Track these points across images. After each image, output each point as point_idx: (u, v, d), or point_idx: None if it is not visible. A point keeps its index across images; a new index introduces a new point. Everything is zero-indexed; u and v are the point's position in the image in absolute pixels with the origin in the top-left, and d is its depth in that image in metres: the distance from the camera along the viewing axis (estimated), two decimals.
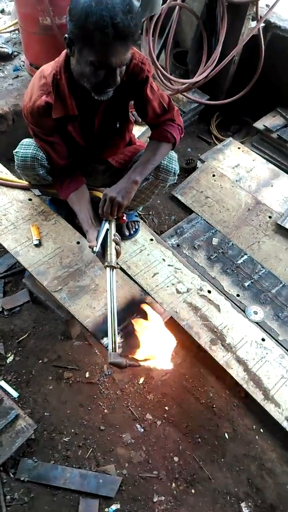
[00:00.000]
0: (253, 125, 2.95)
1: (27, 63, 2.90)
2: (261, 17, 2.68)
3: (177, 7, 2.76)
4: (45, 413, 1.79)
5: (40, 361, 1.92)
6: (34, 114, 1.59)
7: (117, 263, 1.56)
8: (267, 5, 2.77)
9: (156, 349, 1.52)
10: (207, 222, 2.52)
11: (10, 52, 3.11)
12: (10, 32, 3.54)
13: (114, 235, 1.58)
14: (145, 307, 1.66)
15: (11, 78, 3.07)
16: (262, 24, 2.74)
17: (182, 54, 3.15)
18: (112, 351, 1.41)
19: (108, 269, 1.53)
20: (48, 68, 1.57)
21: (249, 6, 2.64)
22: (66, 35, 1.36)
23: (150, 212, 2.60)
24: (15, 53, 3.16)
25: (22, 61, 3.26)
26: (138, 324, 1.61)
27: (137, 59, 1.56)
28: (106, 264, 1.54)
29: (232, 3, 2.63)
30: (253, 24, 2.76)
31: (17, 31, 3.40)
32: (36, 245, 1.88)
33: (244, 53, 2.95)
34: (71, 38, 1.34)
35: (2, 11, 3.55)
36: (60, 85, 1.53)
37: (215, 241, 2.44)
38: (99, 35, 1.25)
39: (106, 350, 1.46)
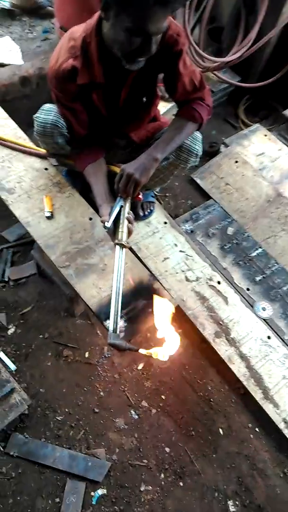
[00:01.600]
0: (283, 112, 2.81)
1: (57, 26, 2.76)
2: None
3: None
4: (41, 389, 1.76)
5: (41, 336, 1.89)
6: (59, 77, 1.50)
7: (128, 242, 1.50)
8: None
9: (160, 342, 1.48)
10: (224, 210, 2.43)
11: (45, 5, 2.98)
12: None
13: (128, 213, 1.52)
14: (157, 298, 1.59)
15: (39, 40, 2.94)
16: None
17: (217, 30, 2.98)
18: (113, 332, 1.37)
19: (117, 247, 1.47)
20: (78, 30, 1.48)
21: None
22: None
23: (167, 194, 2.52)
24: (50, 7, 3.01)
25: (52, 23, 3.13)
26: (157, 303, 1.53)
27: (173, 30, 1.46)
28: (116, 241, 1.48)
29: None
30: None
31: None
32: (48, 217, 1.82)
33: (283, 35, 2.79)
34: (108, 1, 1.25)
35: None
36: (89, 50, 1.44)
37: (230, 230, 2.36)
38: (139, 0, 1.17)
39: (108, 331, 1.41)
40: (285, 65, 2.75)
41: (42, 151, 1.96)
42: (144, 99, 1.69)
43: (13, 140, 1.98)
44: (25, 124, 2.16)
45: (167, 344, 1.44)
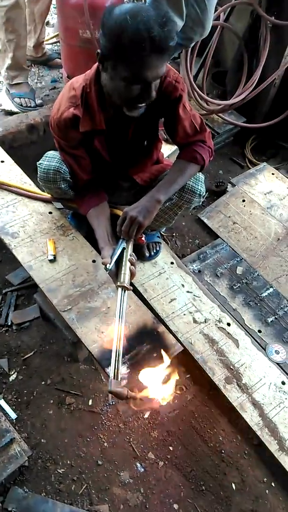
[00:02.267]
0: None
1: (65, 75, 2.89)
2: None
3: (219, 26, 2.69)
4: (42, 440, 1.69)
5: (43, 383, 1.83)
6: (60, 126, 1.54)
7: (131, 285, 1.47)
8: None
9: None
10: (232, 249, 2.39)
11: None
12: (52, 44, 3.60)
13: (130, 255, 1.50)
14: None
15: (48, 89, 3.09)
16: None
17: (222, 74, 3.08)
18: (114, 378, 1.31)
19: (120, 289, 1.44)
20: (78, 80, 1.53)
21: None
22: (98, 51, 1.31)
23: (174, 234, 2.50)
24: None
25: (60, 72, 3.28)
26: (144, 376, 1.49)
27: (171, 77, 1.50)
28: (118, 284, 1.45)
29: (276, 25, 2.54)
30: None
31: (58, 43, 3.43)
32: (51, 261, 1.82)
33: (286, 76, 2.84)
34: (104, 54, 1.29)
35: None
36: (89, 98, 1.49)
37: (239, 270, 2.31)
38: (135, 50, 1.20)
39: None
40: None
41: (47, 195, 1.98)
42: (146, 142, 1.71)
43: (18, 186, 2.02)
44: (32, 169, 2.20)
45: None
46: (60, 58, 2.98)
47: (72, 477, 1.62)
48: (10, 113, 2.69)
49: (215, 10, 2.48)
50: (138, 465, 1.67)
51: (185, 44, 2.39)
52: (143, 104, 1.40)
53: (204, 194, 1.82)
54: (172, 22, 1.26)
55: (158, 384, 1.46)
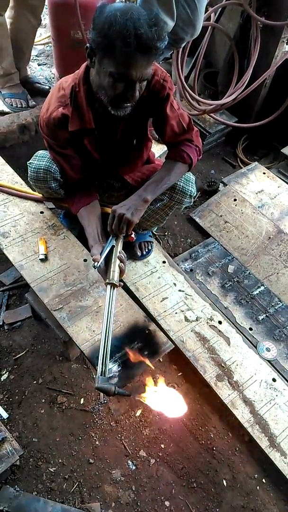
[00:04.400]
0: (281, 150, 2.83)
1: (56, 76, 2.90)
2: None
3: (210, 27, 2.71)
4: (34, 439, 1.69)
5: (35, 382, 1.83)
6: (50, 125, 1.55)
7: (120, 282, 1.47)
8: None
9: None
10: (224, 248, 2.41)
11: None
12: (44, 44, 3.60)
13: (119, 252, 1.50)
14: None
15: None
16: None
17: (213, 74, 3.09)
18: (101, 375, 1.30)
19: (109, 286, 1.44)
20: (67, 80, 1.54)
21: (285, 29, 2.56)
22: (87, 45, 1.32)
23: (166, 233, 2.51)
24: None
25: (52, 73, 3.28)
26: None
27: (159, 75, 1.51)
28: (107, 281, 1.45)
29: (266, 25, 2.55)
30: (287, 47, 2.69)
31: (50, 44, 3.44)
32: (42, 260, 1.82)
33: (277, 76, 2.87)
34: (93, 47, 1.30)
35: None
36: (78, 98, 1.49)
37: (231, 268, 2.32)
38: (121, 45, 1.21)
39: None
40: (282, 104, 2.80)
41: (38, 195, 1.99)
42: (135, 141, 1.72)
43: (9, 185, 2.02)
44: (23, 169, 2.20)
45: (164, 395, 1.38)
46: (40, 83, 2.98)
47: (64, 475, 1.62)
48: (1, 113, 2.69)
49: (206, 11, 2.50)
50: (130, 463, 1.68)
51: (176, 44, 2.40)
52: (128, 104, 1.40)
53: (194, 194, 1.83)
54: (161, 24, 1.26)
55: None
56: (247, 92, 2.69)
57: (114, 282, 1.44)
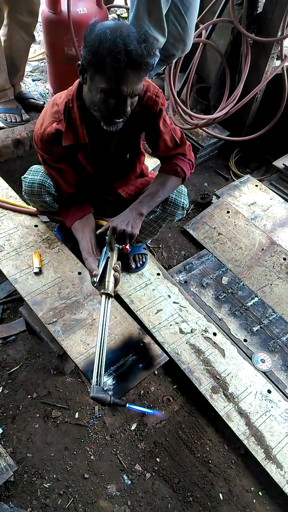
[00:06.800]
0: (273, 163, 2.87)
1: (51, 91, 2.94)
2: (285, 56, 2.65)
3: (201, 43, 2.76)
4: (28, 454, 1.67)
5: (29, 396, 1.82)
6: (44, 141, 1.57)
7: (115, 292, 1.47)
8: None
9: None
10: (218, 259, 2.42)
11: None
12: (38, 60, 3.65)
13: (115, 263, 1.51)
14: None
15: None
16: (287, 64, 2.71)
17: (205, 89, 3.15)
18: (96, 384, 1.29)
19: (104, 296, 1.44)
20: (61, 96, 1.56)
21: (274, 45, 2.61)
22: (79, 62, 1.35)
23: (160, 245, 2.52)
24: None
25: (46, 88, 3.32)
26: None
27: (151, 91, 1.54)
28: (102, 291, 1.45)
29: (256, 42, 2.61)
30: (278, 63, 2.74)
31: (44, 60, 3.49)
32: (36, 273, 1.82)
33: (268, 91, 2.92)
34: (84, 64, 1.33)
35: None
36: (71, 113, 1.51)
37: (225, 280, 2.33)
38: (111, 61, 1.23)
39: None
40: (273, 118, 2.85)
41: (33, 209, 2.00)
42: (128, 156, 1.74)
43: (4, 200, 2.03)
44: (18, 184, 2.23)
45: None
46: (34, 99, 3.01)
47: (59, 491, 1.60)
48: None
49: (197, 28, 2.55)
50: (125, 477, 1.66)
51: (167, 60, 2.45)
52: (120, 120, 1.43)
53: (187, 206, 1.85)
54: (151, 40, 1.30)
55: None
56: (238, 106, 2.74)
57: (109, 292, 1.44)
